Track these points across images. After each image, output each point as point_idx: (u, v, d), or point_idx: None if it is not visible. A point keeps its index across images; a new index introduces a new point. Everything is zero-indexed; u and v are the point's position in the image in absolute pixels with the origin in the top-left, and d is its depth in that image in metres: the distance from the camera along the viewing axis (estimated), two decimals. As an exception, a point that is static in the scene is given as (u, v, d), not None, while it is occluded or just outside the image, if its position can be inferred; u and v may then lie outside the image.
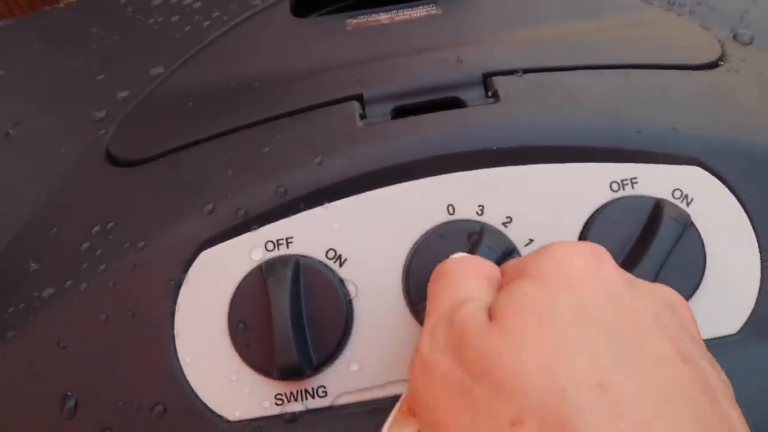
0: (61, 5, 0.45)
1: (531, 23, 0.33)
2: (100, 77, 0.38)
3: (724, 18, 0.35)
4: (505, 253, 0.25)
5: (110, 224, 0.28)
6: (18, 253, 0.29)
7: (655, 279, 0.24)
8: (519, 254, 0.25)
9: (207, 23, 0.39)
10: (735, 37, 0.34)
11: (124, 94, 0.36)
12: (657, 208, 0.25)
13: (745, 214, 0.26)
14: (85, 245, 0.28)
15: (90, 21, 0.42)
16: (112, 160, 0.32)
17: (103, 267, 0.27)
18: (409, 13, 0.36)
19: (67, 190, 0.32)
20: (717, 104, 0.29)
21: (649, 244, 0.24)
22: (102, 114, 0.35)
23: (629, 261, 0.25)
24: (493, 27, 0.34)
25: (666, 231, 0.24)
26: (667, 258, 0.24)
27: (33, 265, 0.28)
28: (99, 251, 0.27)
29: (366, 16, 0.37)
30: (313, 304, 0.25)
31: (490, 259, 0.24)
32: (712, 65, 0.31)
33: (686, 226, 0.25)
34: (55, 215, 0.30)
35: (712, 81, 0.30)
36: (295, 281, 0.25)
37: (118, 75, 0.38)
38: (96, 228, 0.28)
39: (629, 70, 0.30)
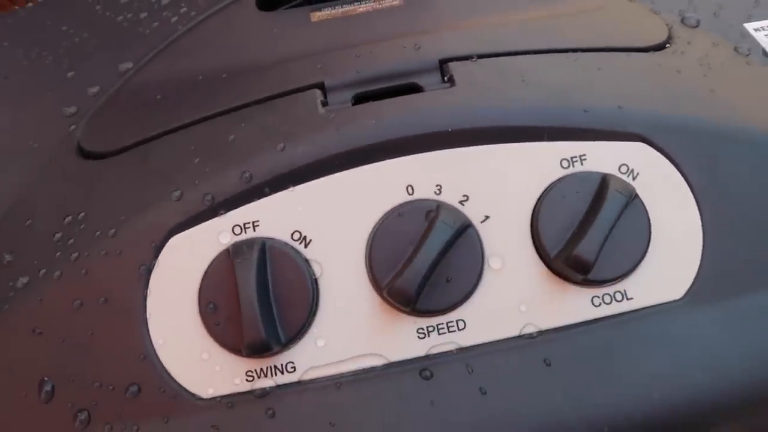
0: (30, 5, 0.46)
1: (487, 11, 0.35)
2: (71, 74, 0.38)
3: (673, 2, 0.37)
4: (460, 229, 0.26)
5: (81, 214, 0.29)
6: (-8, 246, 0.30)
7: (601, 248, 0.25)
8: (475, 230, 0.27)
9: (175, 19, 0.40)
10: (683, 21, 0.35)
11: (94, 89, 0.37)
12: (603, 182, 0.27)
13: (687, 186, 0.27)
14: (58, 235, 0.29)
15: (60, 19, 0.43)
16: (83, 153, 0.33)
17: (75, 255, 0.27)
18: (371, 5, 0.38)
19: (40, 183, 0.32)
20: (661, 84, 0.30)
21: (596, 215, 0.26)
22: (73, 109, 0.36)
23: (578, 232, 0.26)
24: (450, 16, 0.35)
25: (611, 203, 0.26)
26: (612, 228, 0.25)
27: (7, 257, 0.29)
28: (71, 240, 0.28)
29: (330, 9, 0.38)
30: (279, 283, 0.26)
31: (445, 235, 0.25)
32: (659, 47, 0.33)
33: (631, 197, 0.26)
34: (28, 208, 0.31)
35: (657, 62, 0.31)
36: (261, 262, 0.26)
37: (88, 71, 0.38)
38: (68, 218, 0.29)
39: (578, 53, 0.31)
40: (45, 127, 0.35)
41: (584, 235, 0.25)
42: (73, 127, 0.35)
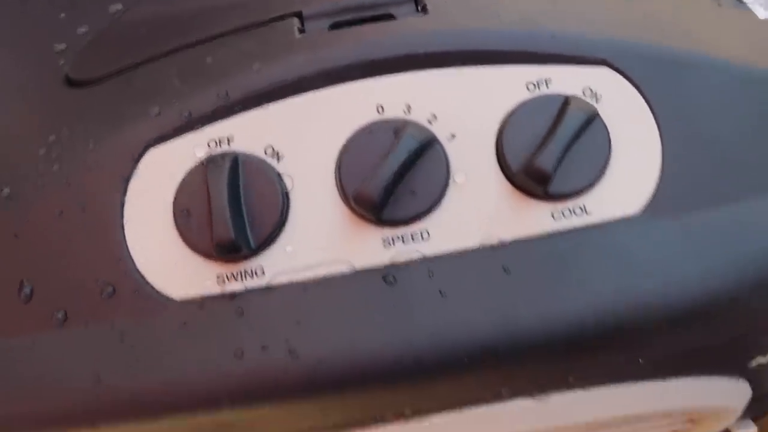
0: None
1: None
2: (62, 15, 0.40)
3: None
4: (425, 142, 0.27)
5: (65, 132, 0.30)
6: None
7: (560, 159, 0.26)
8: (440, 144, 0.28)
9: (165, -34, 0.41)
10: (658, -34, 0.36)
11: (84, 29, 0.38)
12: (565, 103, 0.27)
13: (648, 108, 0.28)
14: (42, 151, 0.30)
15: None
16: (70, 82, 0.34)
17: (57, 167, 0.29)
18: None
19: (26, 110, 0.33)
20: (629, 14, 0.31)
21: (556, 130, 0.27)
22: (62, 46, 0.37)
23: (540, 148, 0.27)
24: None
25: (570, 119, 0.27)
26: (572, 142, 0.26)
27: (-8, 172, 0.30)
28: (54, 154, 0.29)
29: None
30: (251, 193, 0.27)
31: (411, 146, 0.26)
32: (630, -13, 0.33)
33: (590, 115, 0.27)
34: (14, 132, 0.32)
35: (626, -2, 0.32)
36: (234, 170, 0.27)
37: (78, 13, 0.40)
38: (52, 137, 0.30)
39: (549, -12, 0.32)
40: (34, 62, 0.37)
41: (545, 148, 0.26)
42: (62, 62, 0.36)
